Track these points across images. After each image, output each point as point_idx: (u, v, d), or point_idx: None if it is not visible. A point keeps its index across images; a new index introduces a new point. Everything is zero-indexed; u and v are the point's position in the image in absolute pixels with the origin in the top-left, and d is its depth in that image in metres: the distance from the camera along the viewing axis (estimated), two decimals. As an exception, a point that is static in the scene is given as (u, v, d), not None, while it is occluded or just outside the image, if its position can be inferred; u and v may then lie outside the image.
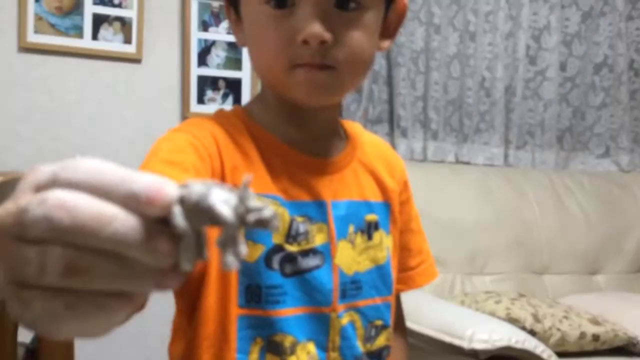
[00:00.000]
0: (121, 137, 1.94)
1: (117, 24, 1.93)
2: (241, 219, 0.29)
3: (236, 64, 2.05)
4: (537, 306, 1.72)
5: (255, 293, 0.67)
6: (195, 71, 2.00)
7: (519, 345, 1.40)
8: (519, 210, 2.19)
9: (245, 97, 2.06)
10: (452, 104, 2.36)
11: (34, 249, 0.28)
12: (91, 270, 0.28)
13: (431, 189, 2.06)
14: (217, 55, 2.03)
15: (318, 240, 0.71)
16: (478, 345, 1.38)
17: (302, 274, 0.69)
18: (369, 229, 0.77)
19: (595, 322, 1.71)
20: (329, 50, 0.65)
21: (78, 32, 1.90)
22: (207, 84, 2.02)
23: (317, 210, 0.72)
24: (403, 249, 0.84)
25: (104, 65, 1.93)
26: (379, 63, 2.26)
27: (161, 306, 0.82)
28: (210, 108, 2.00)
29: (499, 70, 2.36)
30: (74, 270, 0.28)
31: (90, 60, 1.92)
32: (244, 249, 0.30)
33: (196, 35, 2.01)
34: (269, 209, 0.30)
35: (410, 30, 2.27)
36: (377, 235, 0.77)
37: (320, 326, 0.71)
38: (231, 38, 2.03)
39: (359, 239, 0.75)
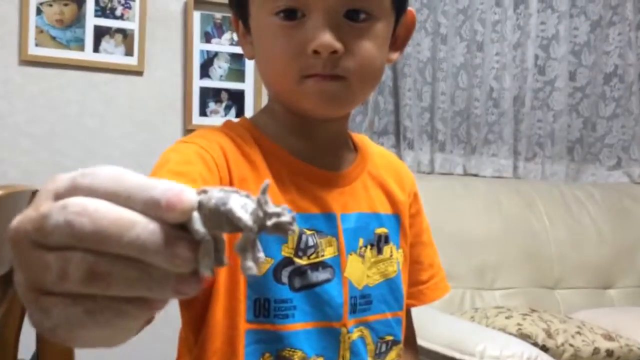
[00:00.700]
0: (122, 149, 1.91)
1: (118, 36, 1.91)
2: (260, 224, 0.30)
3: (239, 75, 2.02)
4: (549, 321, 1.68)
5: (263, 307, 0.66)
6: (198, 83, 1.98)
7: (531, 363, 1.36)
8: (529, 223, 2.15)
9: (249, 108, 2.03)
10: (460, 115, 2.33)
11: (55, 255, 0.28)
12: (111, 276, 0.28)
13: (439, 202, 2.03)
14: (220, 66, 2.01)
15: (327, 253, 0.70)
16: (489, 363, 1.34)
17: (312, 287, 0.68)
18: (378, 243, 0.75)
19: (608, 337, 1.67)
20: (339, 60, 0.65)
21: (79, 44, 1.88)
22: (209, 96, 1.99)
23: (327, 223, 0.71)
24: (414, 263, 0.83)
25: (105, 77, 1.91)
26: (385, 74, 2.23)
27: (165, 322, 0.79)
28: (212, 120, 1.98)
29: (507, 81, 2.33)
30: (95, 276, 0.28)
31: (92, 72, 1.90)
32: (262, 254, 0.31)
33: (198, 47, 1.98)
34: (287, 214, 0.30)
35: (416, 40, 2.24)
36: (387, 249, 0.76)
37: (330, 341, 0.70)
38: (234, 49, 2.00)
39: (369, 253, 0.74)
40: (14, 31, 1.83)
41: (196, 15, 1.98)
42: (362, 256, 0.73)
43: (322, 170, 0.73)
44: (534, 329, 1.63)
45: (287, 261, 0.67)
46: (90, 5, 1.89)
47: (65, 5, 1.87)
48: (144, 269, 0.29)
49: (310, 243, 0.69)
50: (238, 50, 2.00)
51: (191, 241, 0.29)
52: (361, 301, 0.72)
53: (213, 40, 2.00)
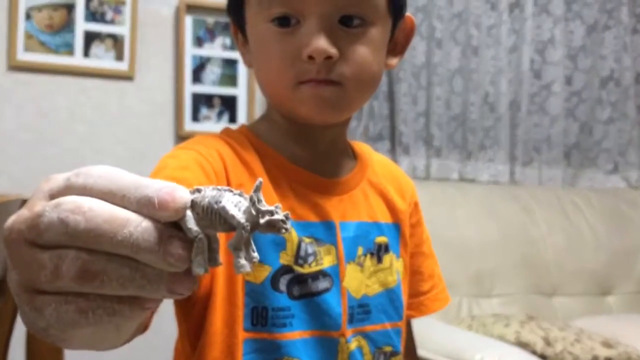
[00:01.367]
0: (113, 156, 1.88)
1: (109, 41, 1.88)
2: (253, 222, 0.30)
3: (231, 80, 2.00)
4: (548, 329, 1.67)
5: (261, 316, 0.65)
6: (190, 88, 1.95)
7: (530, 372, 1.35)
8: (526, 230, 2.14)
9: (241, 114, 2.00)
10: (455, 119, 2.31)
11: (49, 253, 0.29)
12: (105, 274, 0.29)
13: (435, 207, 2.01)
14: (212, 71, 1.98)
15: (326, 262, 0.69)
16: (488, 372, 1.33)
17: (312, 296, 0.67)
18: (378, 252, 0.75)
19: (607, 344, 1.66)
20: (334, 65, 0.65)
21: (69, 49, 1.85)
22: (201, 101, 1.96)
23: (325, 231, 0.70)
24: (414, 273, 0.82)
25: (96, 83, 1.88)
26: (380, 79, 2.21)
27: (160, 332, 0.76)
28: (204, 126, 1.95)
29: (503, 85, 2.31)
30: (88, 273, 0.28)
31: (82, 78, 1.87)
32: (256, 254, 0.31)
33: (190, 52, 1.96)
34: (280, 212, 0.30)
35: (411, 44, 2.21)
36: (387, 258, 0.75)
37: (328, 351, 0.69)
38: (226, 54, 1.98)
39: (368, 262, 0.73)
40: (2, 36, 1.80)
41: (188, 20, 1.96)
42: (360, 265, 0.72)
43: (321, 178, 0.72)
44: (532, 337, 1.62)
45: (286, 269, 0.67)
46: (80, 10, 1.86)
47: (55, 10, 1.84)
48: (137, 268, 0.29)
49: (310, 251, 0.68)
50: (231, 55, 1.98)
51: (185, 240, 0.29)
52: (359, 310, 0.71)
53: (205, 45, 1.98)
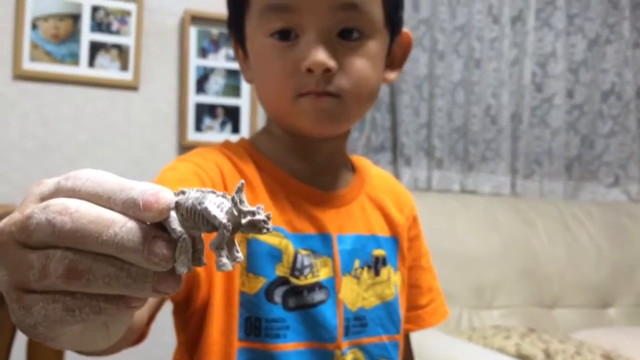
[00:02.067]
0: (116, 165, 1.89)
1: (114, 51, 1.90)
2: (235, 222, 0.31)
3: (235, 91, 2.01)
4: (548, 342, 1.66)
5: (255, 326, 0.65)
6: (193, 98, 1.97)
7: (531, 385, 1.34)
8: (527, 242, 2.14)
9: (244, 125, 2.02)
10: (457, 131, 2.32)
11: (37, 253, 0.30)
12: (90, 273, 0.29)
13: (436, 219, 2.01)
14: (216, 82, 2.00)
15: (323, 274, 0.69)
16: (488, 385, 1.32)
17: (307, 308, 0.67)
18: (376, 265, 0.75)
19: (608, 357, 1.65)
20: (333, 78, 0.66)
21: (74, 59, 1.86)
22: (205, 111, 1.98)
23: (322, 243, 0.70)
24: (412, 287, 0.82)
25: (100, 93, 1.90)
26: (382, 90, 2.21)
27: (160, 343, 0.77)
28: (208, 136, 1.96)
29: (504, 97, 2.32)
30: (74, 272, 0.29)
31: (86, 88, 1.88)
32: (240, 254, 0.31)
33: (195, 62, 1.97)
34: (261, 213, 0.31)
35: (413, 57, 2.23)
36: (385, 271, 0.75)
37: None
38: (230, 65, 1.99)
39: (366, 274, 0.73)
40: (8, 46, 1.82)
41: (193, 31, 1.97)
42: (357, 278, 0.72)
43: (319, 191, 0.73)
44: (532, 350, 1.61)
45: (282, 281, 0.67)
46: (86, 20, 1.88)
47: (61, 20, 1.86)
48: (122, 267, 0.30)
49: (306, 263, 0.68)
50: (234, 66, 1.99)
51: (169, 240, 0.30)
52: (355, 323, 0.71)
53: (209, 56, 1.99)
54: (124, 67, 1.90)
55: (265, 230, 0.31)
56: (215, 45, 2.00)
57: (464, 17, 2.31)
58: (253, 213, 0.31)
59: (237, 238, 0.32)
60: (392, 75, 0.77)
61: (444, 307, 0.85)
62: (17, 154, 1.82)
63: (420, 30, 2.25)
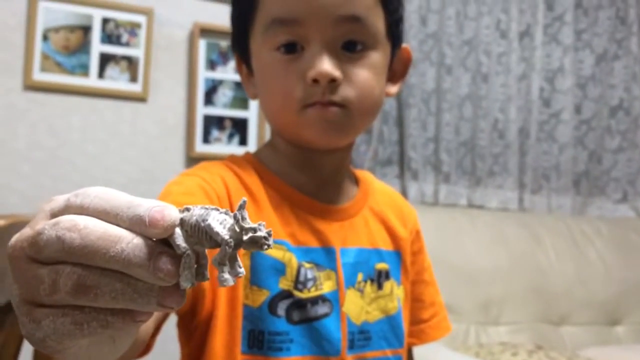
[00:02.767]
0: (124, 176, 1.90)
1: (124, 63, 1.91)
2: (237, 239, 0.31)
3: (243, 103, 2.02)
4: (556, 359, 1.64)
5: (257, 339, 0.65)
6: (202, 110, 1.97)
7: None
8: (535, 258, 2.12)
9: (252, 137, 2.02)
10: (465, 145, 2.31)
11: (47, 268, 0.31)
12: (98, 288, 0.30)
13: (443, 233, 2.00)
14: (224, 94, 2.01)
15: (326, 287, 0.69)
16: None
17: (311, 321, 0.67)
18: (379, 278, 0.75)
19: (617, 376, 1.63)
20: (338, 88, 0.67)
21: (84, 70, 1.88)
22: (213, 123, 1.98)
23: (326, 256, 0.70)
24: (415, 301, 0.82)
25: (109, 104, 1.91)
26: (390, 104, 2.22)
27: (165, 355, 0.77)
28: (215, 148, 1.97)
29: (512, 112, 2.32)
30: (83, 287, 0.30)
31: (96, 99, 1.89)
32: (242, 269, 0.32)
33: (203, 75, 1.98)
34: (263, 230, 0.32)
35: (421, 70, 2.24)
36: (388, 285, 0.75)
37: None
38: (238, 77, 2.00)
39: (369, 288, 0.73)
40: (19, 57, 1.83)
41: (202, 43, 1.98)
42: (361, 291, 0.72)
43: (322, 204, 0.73)
44: (540, 367, 1.59)
45: (286, 294, 0.67)
46: (96, 32, 1.89)
47: (72, 31, 1.87)
48: (129, 282, 0.31)
49: (309, 276, 0.68)
50: (243, 78, 2.00)
51: (173, 256, 0.31)
52: (359, 337, 0.71)
53: (218, 68, 2.00)
54: (134, 78, 1.91)
55: (265, 247, 0.32)
56: (224, 57, 2.01)
57: (472, 32, 2.32)
58: (254, 230, 0.32)
59: (241, 251, 0.33)
60: (393, 89, 0.78)
61: (447, 322, 0.85)
62: (26, 164, 1.82)
63: (428, 45, 2.25)
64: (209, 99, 1.99)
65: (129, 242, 0.30)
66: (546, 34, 2.43)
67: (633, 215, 2.48)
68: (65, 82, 1.86)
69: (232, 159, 0.75)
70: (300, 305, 0.67)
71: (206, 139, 1.97)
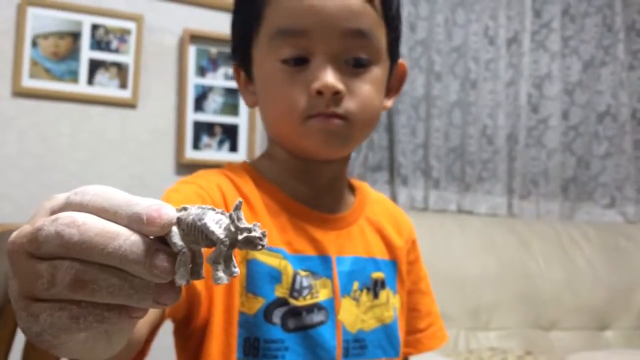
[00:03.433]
0: (114, 182, 1.89)
1: (113, 69, 1.91)
2: (232, 238, 0.32)
3: (233, 109, 2.02)
4: (545, 364, 1.65)
5: (253, 346, 0.65)
6: (191, 117, 1.97)
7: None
8: (524, 263, 2.13)
9: (242, 143, 2.02)
10: (454, 151, 2.33)
11: (45, 264, 0.31)
12: (95, 283, 0.31)
13: (432, 239, 2.01)
14: (214, 100, 2.01)
15: (322, 295, 0.70)
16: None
17: (306, 329, 0.68)
18: (375, 287, 0.75)
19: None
20: (341, 101, 0.68)
21: (73, 77, 1.87)
22: (203, 129, 1.98)
23: (322, 265, 0.71)
24: (411, 310, 0.82)
25: (99, 110, 1.90)
26: (379, 110, 2.23)
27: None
28: (205, 154, 1.97)
29: (500, 118, 2.34)
30: (80, 282, 0.31)
31: (85, 105, 1.89)
32: (237, 268, 0.33)
33: (193, 81, 1.98)
34: (258, 230, 0.32)
35: (410, 77, 2.25)
36: (384, 294, 0.76)
37: None
38: (229, 84, 2.00)
39: (365, 297, 0.74)
40: (7, 63, 1.82)
41: (192, 50, 1.98)
42: (356, 300, 0.73)
43: (319, 213, 0.74)
44: (529, 372, 1.60)
45: (281, 302, 0.67)
46: (85, 38, 1.89)
47: (61, 38, 1.87)
48: (126, 278, 0.31)
49: (305, 284, 0.69)
50: (233, 85, 2.00)
51: (170, 253, 0.32)
52: (354, 345, 0.71)
53: (208, 75, 2.00)
54: (123, 85, 1.91)
55: (260, 247, 0.32)
56: (214, 64, 2.01)
57: (460, 39, 2.34)
58: (249, 230, 0.32)
59: (237, 258, 0.33)
60: (388, 103, 0.79)
61: (443, 332, 0.86)
62: (16, 171, 1.81)
63: (417, 51, 2.27)
64: (199, 105, 1.99)
65: (127, 238, 0.31)
66: (534, 41, 2.45)
67: (621, 221, 2.50)
68: (55, 88, 1.85)
69: (229, 167, 0.75)
70: (295, 313, 0.67)
71: (196, 145, 1.97)
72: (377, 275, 0.76)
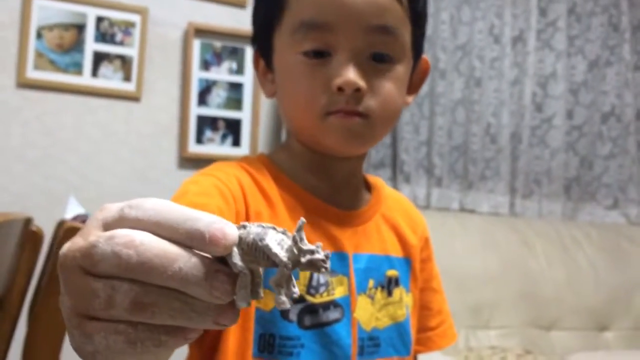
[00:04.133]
0: (117, 175, 1.89)
1: (117, 62, 1.91)
2: (294, 261, 0.31)
3: (236, 104, 2.02)
4: (545, 363, 1.65)
5: (268, 343, 0.65)
6: (195, 111, 1.97)
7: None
8: (526, 263, 2.13)
9: (245, 137, 2.02)
10: (457, 149, 2.32)
11: (102, 282, 0.30)
12: (156, 306, 0.30)
13: (434, 237, 1.98)
14: (218, 95, 2.01)
15: (338, 292, 0.69)
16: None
17: (322, 327, 0.67)
18: (389, 285, 0.75)
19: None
20: (362, 98, 0.67)
21: (77, 69, 1.87)
22: (206, 123, 1.98)
23: (339, 262, 0.70)
24: (423, 308, 0.82)
25: (102, 102, 1.90)
26: (383, 107, 2.23)
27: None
28: (208, 148, 1.96)
29: (504, 117, 2.33)
30: (141, 305, 0.30)
31: (89, 97, 1.89)
32: (297, 289, 0.32)
33: (197, 75, 1.98)
34: (321, 252, 0.31)
35: (415, 75, 2.24)
36: (397, 292, 0.76)
37: None
38: (232, 78, 2.00)
39: (379, 295, 0.73)
40: (13, 54, 1.82)
41: (196, 44, 1.98)
42: (371, 297, 0.72)
43: (336, 209, 0.73)
44: (529, 371, 1.60)
45: (298, 298, 0.67)
46: (90, 31, 1.89)
47: (66, 30, 1.87)
48: (186, 301, 0.31)
49: (322, 281, 0.68)
50: (236, 79, 2.00)
51: (229, 274, 0.31)
52: (369, 343, 0.71)
53: (212, 69, 2.00)
54: (127, 77, 1.91)
55: (323, 270, 0.31)
56: (218, 58, 2.01)
57: (466, 37, 2.33)
58: (312, 252, 0.31)
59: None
60: (409, 99, 0.78)
61: (453, 330, 0.85)
62: (19, 163, 1.82)
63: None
64: (202, 99, 1.98)
65: (187, 260, 0.30)
66: (539, 40, 2.45)
67: (624, 222, 2.49)
68: (59, 80, 1.85)
69: (246, 160, 0.74)
70: (312, 310, 0.67)
71: (199, 139, 1.97)
72: (392, 273, 0.76)
